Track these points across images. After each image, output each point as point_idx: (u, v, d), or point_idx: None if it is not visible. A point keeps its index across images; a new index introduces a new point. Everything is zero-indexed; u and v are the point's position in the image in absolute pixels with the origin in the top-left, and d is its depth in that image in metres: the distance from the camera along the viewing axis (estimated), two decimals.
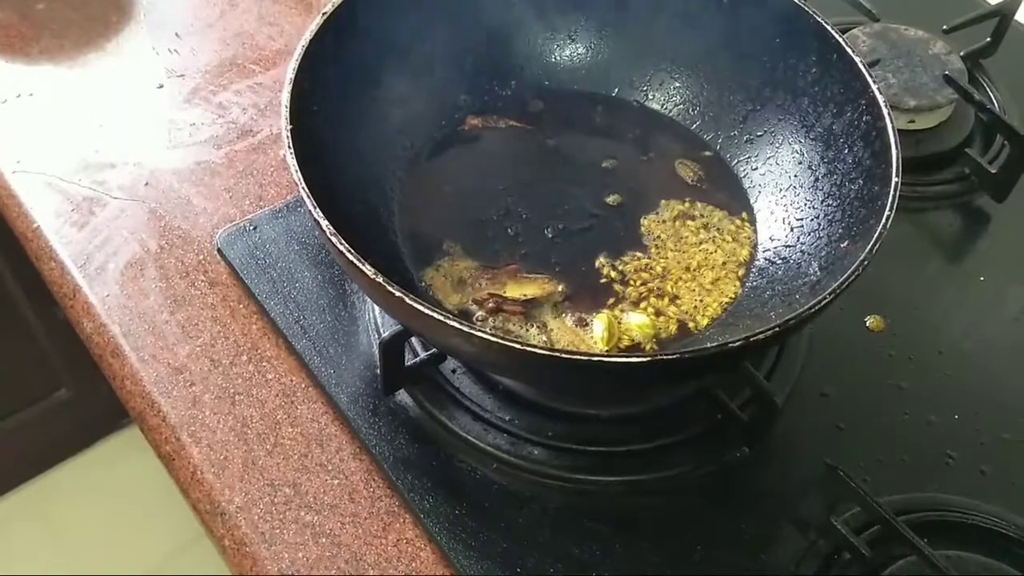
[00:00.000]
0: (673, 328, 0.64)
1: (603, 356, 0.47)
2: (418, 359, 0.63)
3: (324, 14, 0.63)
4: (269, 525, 0.60)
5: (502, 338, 0.48)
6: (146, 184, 0.77)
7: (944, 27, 0.87)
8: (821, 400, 0.67)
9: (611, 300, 0.65)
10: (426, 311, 0.49)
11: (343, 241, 0.51)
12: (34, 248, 0.75)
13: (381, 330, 0.67)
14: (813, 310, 0.51)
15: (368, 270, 0.50)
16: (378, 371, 0.63)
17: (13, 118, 0.82)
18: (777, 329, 0.50)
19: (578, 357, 0.47)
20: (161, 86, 0.85)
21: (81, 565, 1.43)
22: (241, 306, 0.70)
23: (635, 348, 0.63)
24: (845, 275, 0.52)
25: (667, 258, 0.67)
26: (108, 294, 0.71)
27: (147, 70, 0.86)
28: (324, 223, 0.52)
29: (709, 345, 0.49)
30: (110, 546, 1.46)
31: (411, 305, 0.49)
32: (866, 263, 0.53)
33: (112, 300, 0.70)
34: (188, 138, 0.81)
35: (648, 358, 0.48)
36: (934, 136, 0.83)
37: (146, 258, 0.73)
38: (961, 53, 0.86)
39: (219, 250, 0.72)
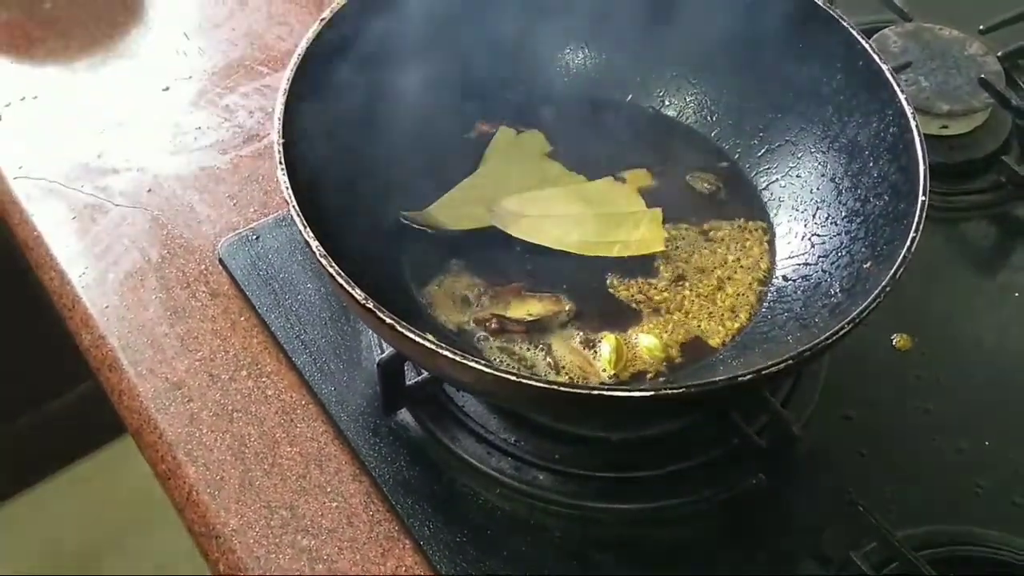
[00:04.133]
0: (685, 350, 0.61)
1: (603, 390, 0.45)
2: (420, 378, 0.61)
3: (322, 20, 0.60)
4: (264, 549, 0.58)
5: (496, 369, 0.45)
6: (149, 191, 0.76)
7: (981, 27, 0.84)
8: (843, 424, 0.64)
9: (620, 320, 0.62)
10: (416, 338, 0.46)
11: (333, 263, 0.49)
12: (35, 257, 0.74)
13: (384, 346, 0.64)
14: (829, 341, 0.48)
15: (358, 294, 0.48)
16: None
17: (17, 122, 0.80)
18: (791, 361, 0.47)
19: (576, 391, 0.45)
20: (167, 88, 0.83)
21: (105, 556, 1.43)
22: (242, 319, 0.68)
23: (644, 372, 0.60)
24: (866, 302, 0.49)
25: (680, 276, 0.64)
26: (107, 305, 0.69)
27: (153, 72, 0.84)
28: (314, 244, 0.50)
29: (717, 379, 0.46)
30: (137, 536, 1.46)
31: (400, 332, 0.47)
32: (888, 289, 0.50)
33: (111, 312, 0.69)
34: (193, 142, 0.79)
35: (651, 392, 0.45)
36: (968, 142, 0.79)
37: (147, 268, 0.71)
38: (998, 54, 0.82)
39: (221, 260, 0.70)
